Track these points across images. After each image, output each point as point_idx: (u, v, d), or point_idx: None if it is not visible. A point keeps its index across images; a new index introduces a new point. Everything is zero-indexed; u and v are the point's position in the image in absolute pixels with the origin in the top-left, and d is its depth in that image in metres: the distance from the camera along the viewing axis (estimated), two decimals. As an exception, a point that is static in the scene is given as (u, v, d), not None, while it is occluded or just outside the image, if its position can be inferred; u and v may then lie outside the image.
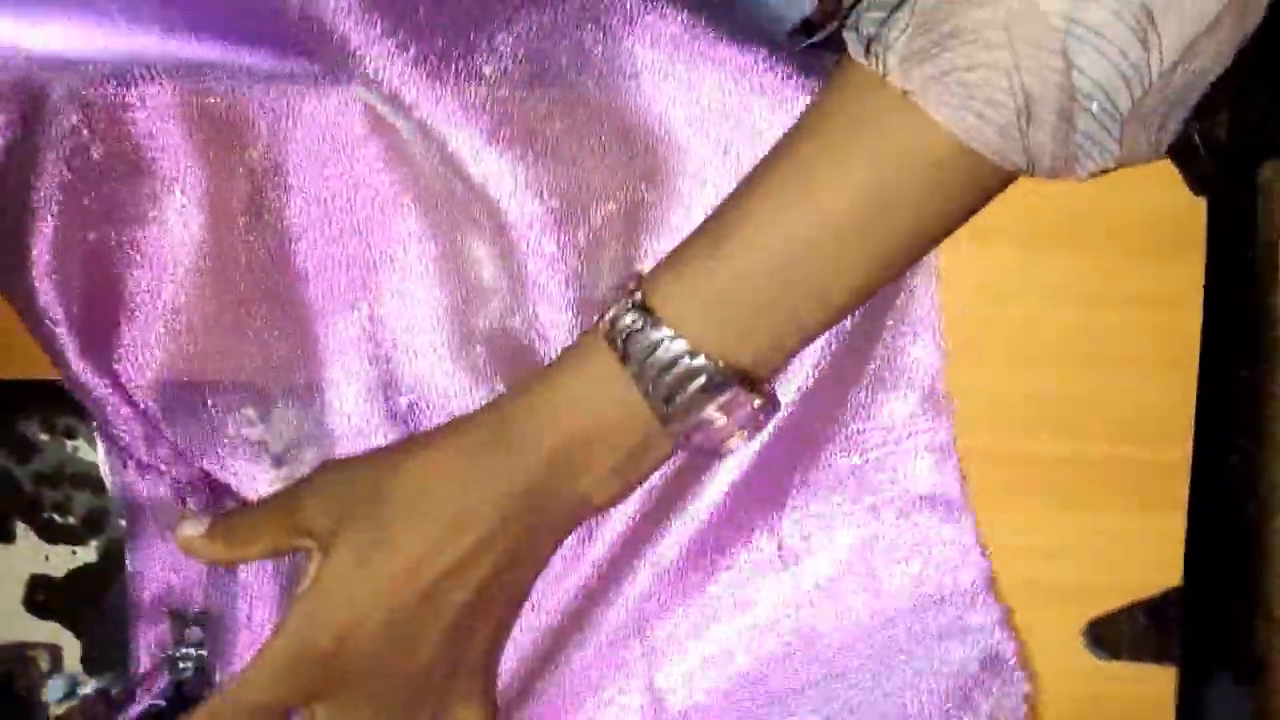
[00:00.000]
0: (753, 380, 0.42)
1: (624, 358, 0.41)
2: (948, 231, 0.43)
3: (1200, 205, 0.47)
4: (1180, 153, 0.45)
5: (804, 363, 0.46)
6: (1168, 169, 0.46)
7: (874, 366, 0.48)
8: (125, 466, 0.50)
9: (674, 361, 0.41)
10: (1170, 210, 0.48)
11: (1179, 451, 0.48)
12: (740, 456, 0.47)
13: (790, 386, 0.47)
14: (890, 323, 0.48)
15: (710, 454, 0.45)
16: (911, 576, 0.49)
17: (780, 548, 0.49)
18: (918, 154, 0.39)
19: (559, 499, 0.43)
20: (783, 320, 0.42)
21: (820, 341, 0.46)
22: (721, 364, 0.41)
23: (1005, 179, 0.42)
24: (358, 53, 0.45)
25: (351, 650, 0.42)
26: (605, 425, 0.42)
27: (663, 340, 0.41)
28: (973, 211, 0.43)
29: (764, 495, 0.49)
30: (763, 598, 0.49)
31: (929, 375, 0.48)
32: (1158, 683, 0.49)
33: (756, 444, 0.47)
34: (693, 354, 0.41)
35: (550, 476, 0.42)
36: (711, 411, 0.42)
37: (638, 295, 0.42)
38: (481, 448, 0.43)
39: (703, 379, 0.41)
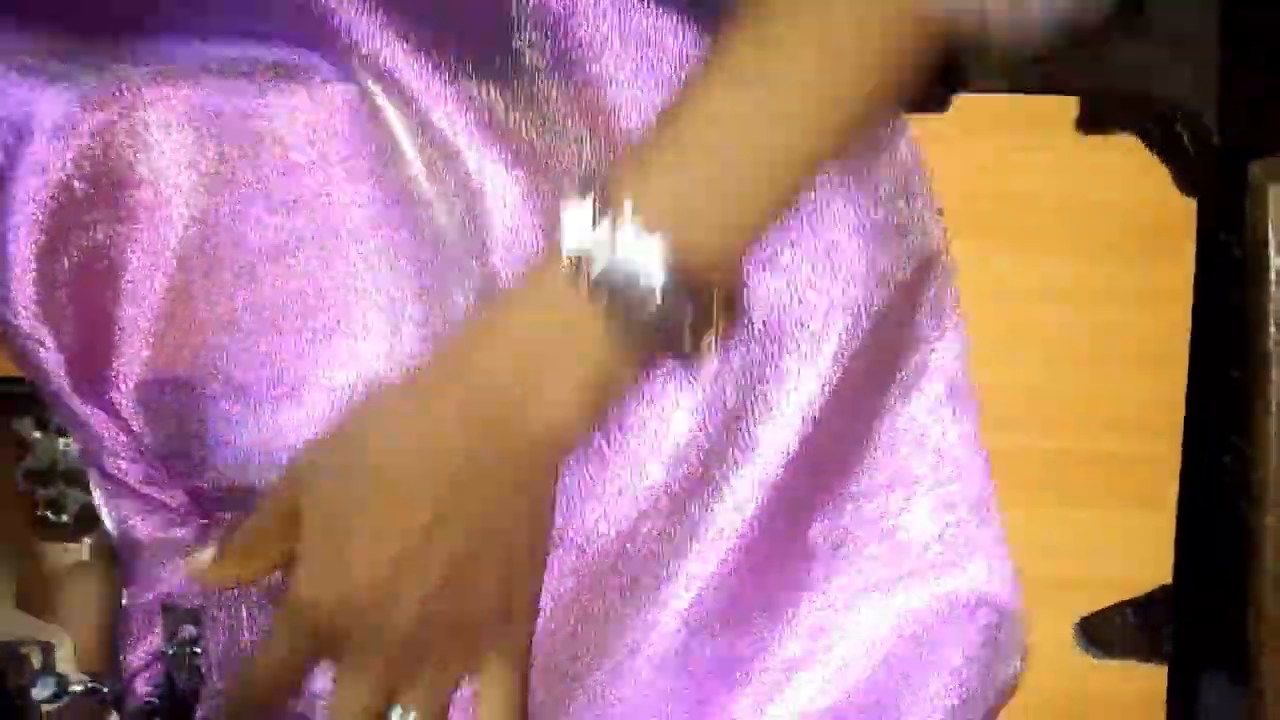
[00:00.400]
0: (709, 278, 0.40)
1: (575, 267, 0.39)
2: (896, 95, 0.42)
3: (1191, 205, 0.48)
4: (1170, 153, 0.45)
5: (822, 366, 0.46)
6: (1158, 170, 0.47)
7: (899, 366, 0.48)
8: (120, 496, 0.50)
9: (628, 262, 0.39)
10: (1161, 210, 0.48)
11: (1170, 448, 0.48)
12: (765, 475, 0.46)
13: (805, 394, 0.46)
14: (914, 320, 0.47)
15: (678, 364, 0.43)
16: (937, 589, 0.48)
17: (810, 560, 0.48)
18: (869, 15, 0.39)
19: (517, 427, 0.41)
20: (733, 199, 0.40)
21: (837, 344, 0.45)
22: (676, 254, 0.39)
23: (955, 35, 0.41)
24: (357, 42, 0.45)
25: (342, 615, 0.41)
26: (556, 337, 0.40)
27: (616, 233, 0.39)
28: (917, 78, 0.42)
29: (793, 512, 0.48)
30: (799, 627, 0.48)
31: (954, 368, 0.48)
32: (1150, 679, 0.49)
33: (780, 463, 0.46)
34: (645, 243, 0.39)
35: (503, 401, 0.41)
36: (671, 310, 0.40)
37: (590, 194, 0.40)
38: (434, 381, 0.42)
39: (660, 276, 0.39)
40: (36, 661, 0.50)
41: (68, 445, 0.51)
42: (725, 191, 0.41)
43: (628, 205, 0.40)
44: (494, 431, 0.41)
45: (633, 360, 0.41)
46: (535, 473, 0.44)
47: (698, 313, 0.41)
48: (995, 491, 0.48)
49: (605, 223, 0.39)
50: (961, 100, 0.46)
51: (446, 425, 0.41)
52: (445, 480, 0.41)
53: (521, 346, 0.41)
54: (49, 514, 0.51)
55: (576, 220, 0.40)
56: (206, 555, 0.45)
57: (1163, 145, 0.43)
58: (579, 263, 0.40)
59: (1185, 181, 0.47)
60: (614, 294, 0.40)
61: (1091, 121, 0.45)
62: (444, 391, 0.42)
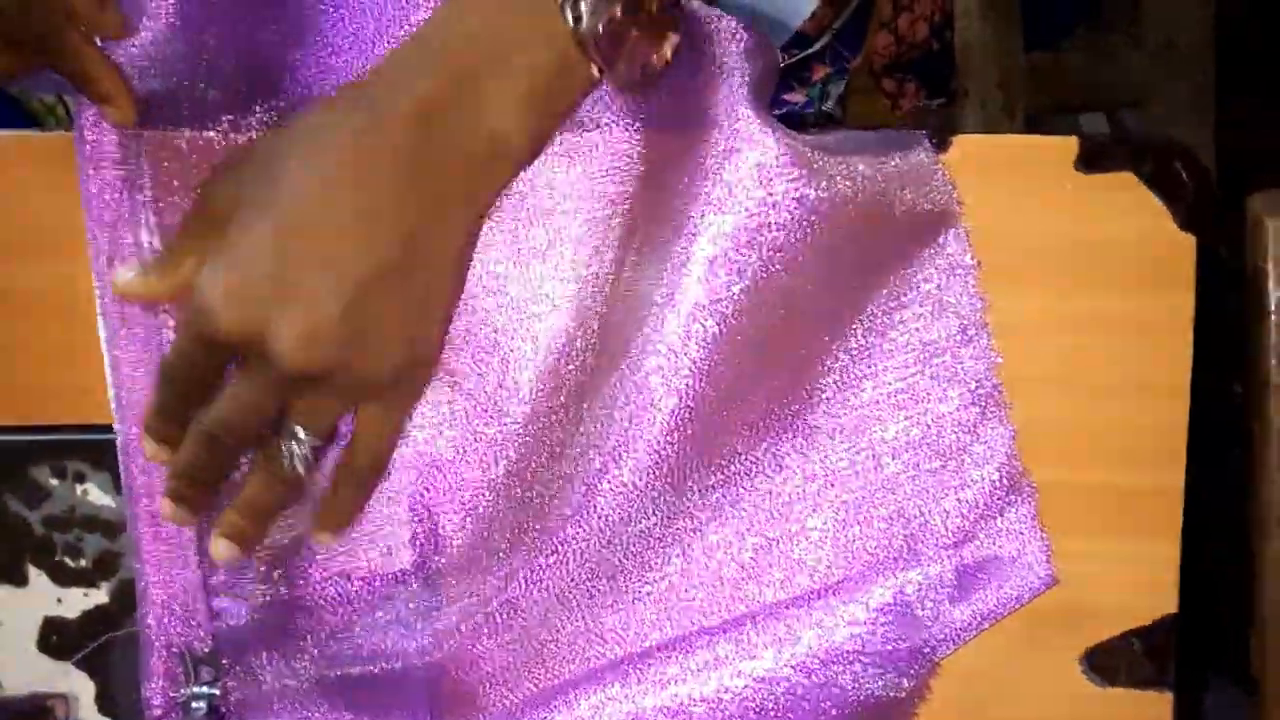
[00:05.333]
0: None
1: None
2: None
3: (1191, 240, 0.48)
4: (1169, 191, 0.46)
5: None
6: (1158, 206, 0.47)
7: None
8: (138, 503, 0.50)
9: None
10: (1162, 239, 0.48)
11: (1173, 477, 0.49)
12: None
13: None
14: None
15: (635, 78, 0.42)
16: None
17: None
18: None
19: (466, 134, 0.40)
20: None
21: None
22: None
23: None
24: None
25: (248, 317, 0.39)
26: (509, 40, 0.40)
27: None
28: None
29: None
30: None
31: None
32: (1156, 707, 0.49)
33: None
34: None
35: (453, 103, 0.40)
36: (620, 11, 0.39)
37: None
38: (382, 75, 0.40)
39: None
40: (60, 713, 0.51)
41: (85, 491, 0.52)
42: None
43: None
44: (445, 134, 0.40)
45: (578, 75, 0.41)
46: (473, 185, 0.42)
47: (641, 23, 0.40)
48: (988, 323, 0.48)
49: None
50: (962, 139, 0.47)
51: (392, 117, 0.40)
52: (384, 186, 0.39)
53: (479, 38, 0.40)
54: (67, 559, 0.52)
55: None
56: (130, 272, 0.43)
57: (1161, 183, 0.44)
58: None
59: (1184, 218, 0.48)
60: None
61: (1090, 161, 0.46)
62: (393, 79, 0.40)
